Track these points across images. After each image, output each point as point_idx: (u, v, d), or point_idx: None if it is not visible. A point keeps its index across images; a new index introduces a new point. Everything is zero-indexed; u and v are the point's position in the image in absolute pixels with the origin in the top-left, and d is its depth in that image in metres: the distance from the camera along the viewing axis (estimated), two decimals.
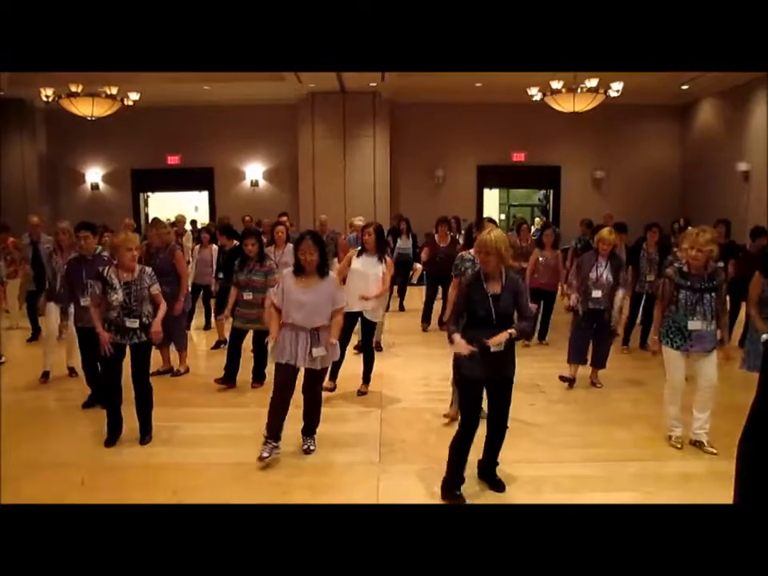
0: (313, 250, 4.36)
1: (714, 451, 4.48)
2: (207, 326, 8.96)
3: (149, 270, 4.86)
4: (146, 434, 4.81)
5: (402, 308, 10.41)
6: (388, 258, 5.96)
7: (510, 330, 3.74)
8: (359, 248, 5.97)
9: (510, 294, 3.81)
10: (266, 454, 4.37)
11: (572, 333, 6.34)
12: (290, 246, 6.75)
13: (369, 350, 6.04)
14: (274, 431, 4.43)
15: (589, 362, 6.25)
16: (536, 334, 7.86)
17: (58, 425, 5.21)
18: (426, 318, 8.98)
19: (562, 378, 6.17)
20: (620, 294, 6.12)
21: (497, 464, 4.06)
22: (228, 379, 6.14)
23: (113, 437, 4.76)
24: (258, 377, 6.18)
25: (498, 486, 4.00)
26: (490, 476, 4.05)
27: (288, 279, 4.46)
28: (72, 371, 6.45)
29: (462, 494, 3.86)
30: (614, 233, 6.27)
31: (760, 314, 5.07)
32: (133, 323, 4.64)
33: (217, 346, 7.76)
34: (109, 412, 4.81)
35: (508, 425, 3.97)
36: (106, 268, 4.78)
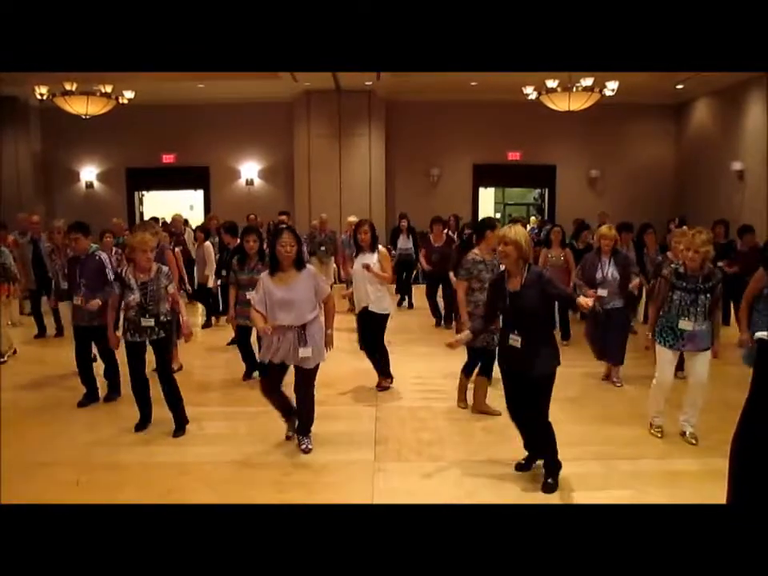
0: (293, 242, 4.36)
1: (694, 442, 4.64)
2: (207, 325, 8.95)
3: (165, 269, 4.92)
4: (180, 428, 4.89)
5: (399, 304, 10.42)
6: (381, 248, 5.92)
7: (583, 300, 3.78)
8: (355, 250, 5.96)
9: (534, 289, 3.80)
10: (290, 433, 4.71)
11: (589, 332, 6.38)
12: None
13: (380, 345, 5.99)
14: (285, 412, 4.71)
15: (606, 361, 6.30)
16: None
17: (54, 424, 5.20)
18: (435, 314, 9.01)
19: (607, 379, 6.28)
20: (635, 281, 6.22)
21: (547, 462, 4.02)
22: (249, 375, 6.29)
23: (143, 424, 4.95)
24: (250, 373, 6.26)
25: (545, 486, 3.96)
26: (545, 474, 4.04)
27: (266, 281, 4.41)
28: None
29: (523, 462, 4.22)
30: (614, 229, 6.30)
31: (750, 309, 5.04)
32: (148, 322, 4.72)
33: (233, 342, 7.74)
34: (140, 405, 4.95)
35: (544, 421, 3.97)
36: (124, 268, 4.86)
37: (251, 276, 5.92)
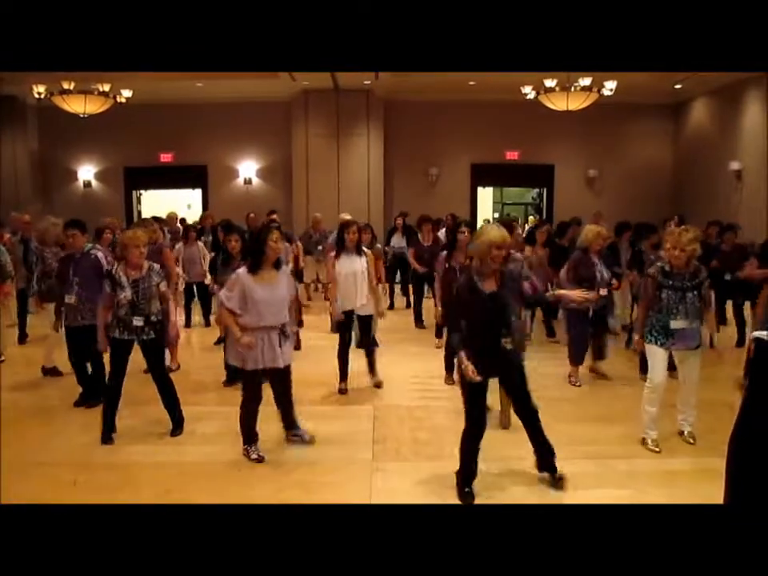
0: (282, 238, 4.37)
1: (692, 441, 4.65)
2: (206, 324, 8.92)
3: (156, 267, 4.86)
4: (177, 428, 4.87)
5: (391, 307, 10.40)
6: (367, 251, 5.86)
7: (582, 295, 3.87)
8: (335, 250, 5.81)
9: (509, 288, 3.74)
10: (259, 455, 4.42)
11: (573, 334, 6.24)
12: (286, 245, 6.72)
13: (368, 343, 6.00)
14: (253, 435, 4.48)
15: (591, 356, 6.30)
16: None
17: (52, 424, 5.19)
18: (418, 318, 9.00)
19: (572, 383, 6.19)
20: (614, 282, 6.19)
21: (552, 454, 3.99)
22: (234, 379, 6.07)
23: (108, 434, 4.74)
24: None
25: (556, 482, 3.95)
26: (549, 469, 4.00)
27: (246, 280, 4.23)
28: (52, 371, 6.43)
29: (470, 490, 3.85)
30: (604, 228, 6.32)
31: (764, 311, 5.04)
32: (138, 321, 4.65)
33: (219, 341, 7.72)
34: (106, 409, 4.78)
35: (537, 408, 3.95)
36: (115, 266, 4.80)
37: None
